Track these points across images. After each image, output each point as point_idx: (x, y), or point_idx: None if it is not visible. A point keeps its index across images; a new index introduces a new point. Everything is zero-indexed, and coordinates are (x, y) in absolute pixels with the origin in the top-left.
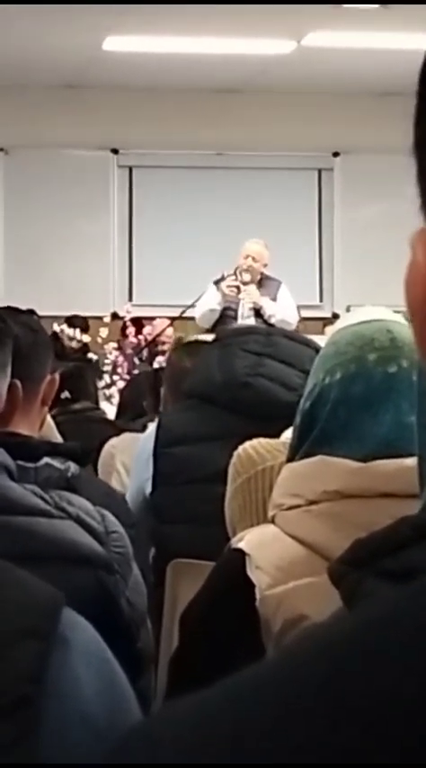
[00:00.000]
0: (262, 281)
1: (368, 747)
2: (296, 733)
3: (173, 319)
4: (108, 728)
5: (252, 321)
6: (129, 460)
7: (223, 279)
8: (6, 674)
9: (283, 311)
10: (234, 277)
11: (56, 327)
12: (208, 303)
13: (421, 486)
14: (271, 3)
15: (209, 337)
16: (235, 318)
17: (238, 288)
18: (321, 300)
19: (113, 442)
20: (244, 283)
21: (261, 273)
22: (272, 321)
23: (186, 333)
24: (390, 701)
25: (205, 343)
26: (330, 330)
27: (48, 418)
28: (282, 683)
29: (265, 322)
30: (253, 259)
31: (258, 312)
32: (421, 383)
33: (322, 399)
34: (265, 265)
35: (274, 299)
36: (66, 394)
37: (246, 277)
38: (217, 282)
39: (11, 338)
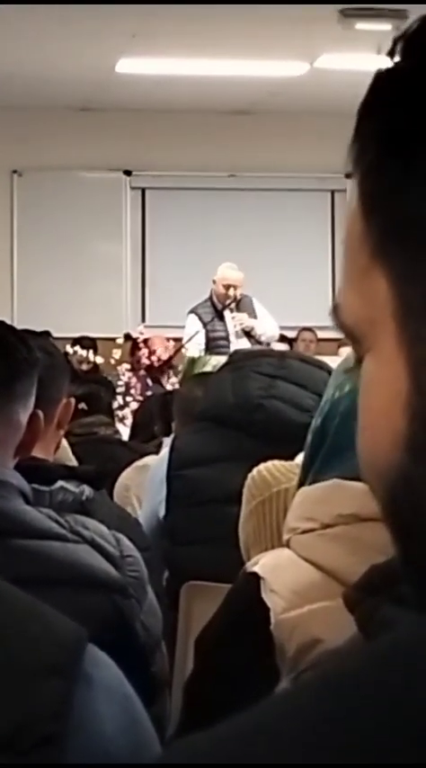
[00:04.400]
0: (239, 303)
1: None
2: None
3: (177, 344)
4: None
5: (245, 343)
6: (143, 495)
7: (197, 307)
8: (31, 712)
9: (269, 328)
10: (210, 308)
11: (68, 349)
12: (198, 336)
13: None
14: (284, 24)
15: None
16: (227, 340)
17: (221, 315)
18: None
19: (128, 474)
20: (230, 310)
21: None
22: (263, 339)
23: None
24: (416, 734)
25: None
26: (344, 351)
27: (63, 440)
28: (299, 720)
29: (257, 342)
30: (234, 288)
31: (248, 333)
32: None
33: (331, 414)
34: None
35: (254, 316)
36: (82, 405)
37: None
38: (192, 311)
39: (37, 368)
